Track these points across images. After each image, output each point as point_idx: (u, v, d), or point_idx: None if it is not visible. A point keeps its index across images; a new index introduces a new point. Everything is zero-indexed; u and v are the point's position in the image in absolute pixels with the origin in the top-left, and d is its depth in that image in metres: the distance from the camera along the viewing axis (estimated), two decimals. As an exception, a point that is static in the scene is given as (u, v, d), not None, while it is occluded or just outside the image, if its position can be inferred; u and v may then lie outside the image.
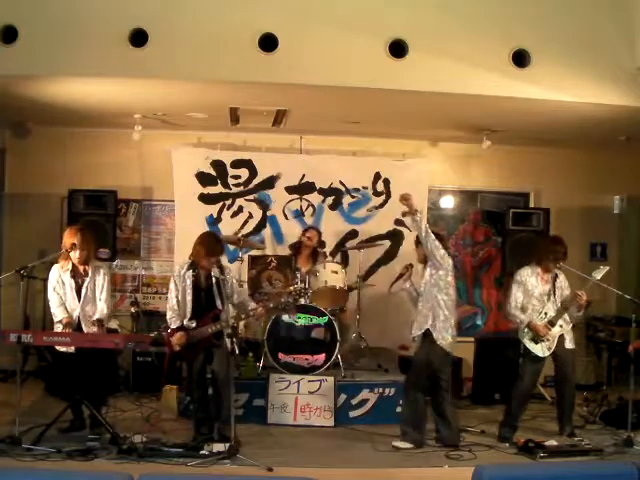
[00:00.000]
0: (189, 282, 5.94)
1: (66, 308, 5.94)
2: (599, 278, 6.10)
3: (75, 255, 5.91)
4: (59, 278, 5.96)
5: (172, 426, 6.34)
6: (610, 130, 7.53)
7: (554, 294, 6.23)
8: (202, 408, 6.02)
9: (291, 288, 6.70)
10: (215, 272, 5.85)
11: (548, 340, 6.16)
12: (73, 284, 5.95)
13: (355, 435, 6.39)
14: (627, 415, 6.02)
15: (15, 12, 5.86)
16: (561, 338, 6.21)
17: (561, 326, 6.19)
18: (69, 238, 5.91)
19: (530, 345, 6.20)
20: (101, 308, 5.98)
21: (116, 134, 8.16)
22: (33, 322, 7.85)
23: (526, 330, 6.21)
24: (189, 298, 5.94)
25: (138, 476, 3.31)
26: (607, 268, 6.14)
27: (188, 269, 5.97)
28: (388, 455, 5.81)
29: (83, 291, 5.94)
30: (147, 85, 6.41)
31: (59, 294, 5.94)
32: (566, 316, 6.22)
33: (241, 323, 7.02)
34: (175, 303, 5.95)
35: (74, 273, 5.97)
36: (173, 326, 5.92)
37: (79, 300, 5.93)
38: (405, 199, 5.90)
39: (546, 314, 6.19)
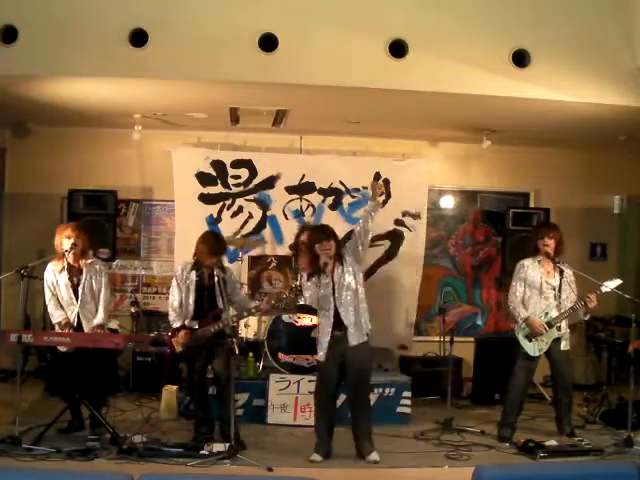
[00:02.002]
0: (193, 282, 5.94)
1: (64, 309, 5.93)
2: (609, 290, 6.09)
3: (72, 252, 5.90)
4: (54, 278, 5.95)
5: (172, 426, 6.35)
6: (610, 130, 7.53)
7: (559, 293, 6.21)
8: (202, 408, 6.02)
9: (292, 284, 6.71)
10: (217, 272, 5.85)
11: (542, 341, 6.16)
12: (69, 284, 5.94)
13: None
14: (627, 415, 6.02)
15: (15, 12, 5.86)
16: (556, 340, 6.20)
17: (559, 329, 6.18)
18: (66, 237, 5.89)
19: (523, 342, 6.20)
20: (99, 313, 5.97)
21: (116, 134, 8.16)
22: (33, 322, 7.85)
23: (523, 326, 6.20)
24: (192, 298, 5.94)
25: (138, 476, 3.30)
26: (619, 281, 6.11)
27: (192, 269, 5.97)
28: (388, 455, 5.80)
29: (80, 290, 5.93)
30: (147, 85, 6.41)
31: (55, 295, 5.94)
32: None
33: (241, 323, 7.03)
34: (177, 303, 5.95)
35: (70, 272, 5.96)
36: (175, 325, 5.92)
37: (76, 299, 5.93)
38: (377, 187, 5.88)
39: (547, 314, 6.18)
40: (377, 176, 8.41)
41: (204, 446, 5.53)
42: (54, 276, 5.96)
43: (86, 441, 5.50)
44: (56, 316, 5.93)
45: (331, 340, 5.60)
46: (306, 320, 6.96)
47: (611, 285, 6.09)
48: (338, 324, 5.60)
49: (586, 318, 6.37)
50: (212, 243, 5.96)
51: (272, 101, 7.02)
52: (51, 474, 3.71)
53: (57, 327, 5.94)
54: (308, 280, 5.70)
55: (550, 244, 6.21)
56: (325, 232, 5.72)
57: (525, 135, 8.06)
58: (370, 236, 5.77)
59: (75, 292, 5.94)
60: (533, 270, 6.24)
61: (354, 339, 5.59)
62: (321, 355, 5.63)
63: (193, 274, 5.95)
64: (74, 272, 5.97)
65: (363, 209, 5.85)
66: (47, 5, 5.91)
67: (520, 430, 6.30)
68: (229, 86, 6.39)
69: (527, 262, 6.30)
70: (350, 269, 5.64)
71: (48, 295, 5.96)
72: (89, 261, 6.01)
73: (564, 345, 6.23)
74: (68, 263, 5.95)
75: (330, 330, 5.59)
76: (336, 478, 5.27)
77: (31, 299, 7.71)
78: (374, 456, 5.62)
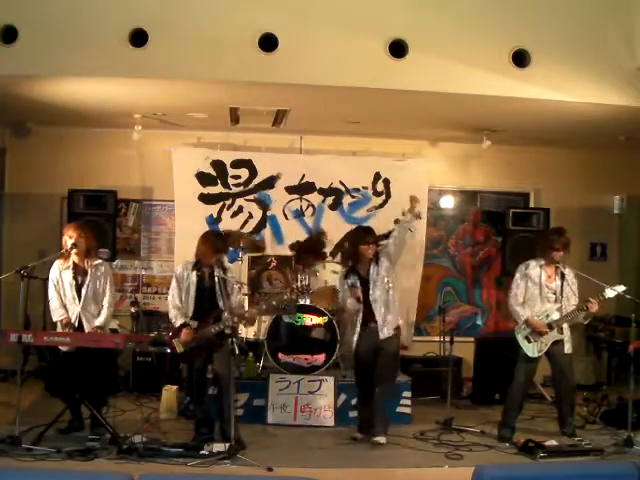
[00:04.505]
0: (194, 282, 5.93)
1: (66, 308, 5.94)
2: (612, 295, 6.07)
3: (75, 252, 5.90)
4: (59, 276, 5.96)
5: (172, 426, 6.35)
6: (610, 130, 7.53)
7: (561, 296, 6.19)
8: (202, 408, 6.01)
9: (293, 286, 6.72)
10: (218, 272, 5.84)
11: (542, 342, 6.15)
12: (73, 283, 5.94)
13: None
14: (627, 415, 6.02)
15: (15, 12, 5.86)
16: (558, 343, 6.18)
17: (561, 331, 6.17)
18: (68, 237, 5.91)
19: (522, 343, 6.19)
20: (102, 314, 5.96)
21: (116, 134, 8.16)
22: (33, 322, 7.84)
23: (523, 327, 6.19)
24: (192, 298, 5.93)
25: (138, 476, 3.30)
26: (623, 287, 6.10)
27: (193, 269, 5.95)
28: (388, 455, 5.81)
29: (83, 291, 5.92)
30: (147, 85, 6.41)
31: (59, 293, 5.95)
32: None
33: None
34: (178, 301, 5.93)
35: (75, 272, 5.96)
36: (178, 323, 5.89)
37: (79, 299, 5.93)
38: (417, 201, 6.32)
39: (547, 316, 6.17)
40: (377, 176, 8.44)
41: (204, 446, 5.53)
42: (59, 274, 5.97)
43: (86, 441, 5.49)
44: (58, 314, 5.94)
45: (364, 332, 6.13)
46: (306, 320, 6.96)
47: (617, 289, 6.06)
48: (371, 318, 6.08)
49: (586, 322, 6.38)
50: (215, 241, 5.96)
51: (272, 101, 7.02)
52: (51, 474, 3.71)
53: (59, 325, 5.96)
54: (346, 278, 6.20)
55: (562, 255, 6.21)
56: (372, 234, 6.21)
57: (525, 135, 8.06)
58: (404, 247, 6.29)
59: (78, 292, 5.94)
60: (535, 273, 6.23)
61: (384, 333, 6.07)
62: (352, 346, 6.22)
63: (194, 274, 5.94)
64: (79, 272, 5.97)
65: (400, 221, 6.32)
66: (47, 5, 5.91)
67: (520, 430, 6.30)
68: (229, 86, 6.39)
69: (531, 264, 6.28)
70: (384, 268, 6.10)
71: (52, 292, 5.97)
72: (95, 262, 6.01)
73: (567, 348, 6.22)
74: (74, 262, 5.96)
75: (362, 323, 6.14)
76: (336, 478, 5.27)
77: (31, 299, 7.69)
78: (380, 439, 5.96)
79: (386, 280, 6.10)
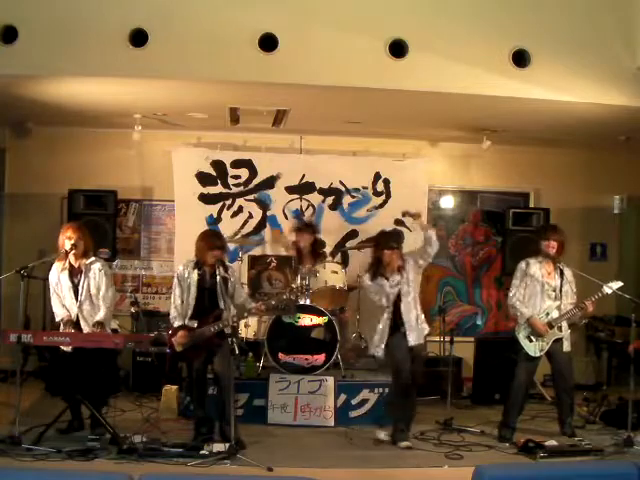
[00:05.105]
0: (194, 281, 5.93)
1: (66, 308, 5.94)
2: (610, 292, 6.08)
3: (74, 252, 5.90)
4: (57, 278, 5.97)
5: (172, 426, 6.34)
6: (610, 130, 7.53)
7: (560, 294, 6.20)
8: (202, 408, 6.01)
9: (292, 285, 6.73)
10: (220, 271, 5.85)
11: (543, 341, 6.15)
12: (70, 284, 5.94)
13: (355, 435, 6.38)
14: (627, 415, 6.02)
15: (15, 12, 5.87)
16: (558, 341, 6.20)
17: (560, 329, 6.17)
18: (67, 238, 5.90)
19: (524, 342, 6.19)
20: (100, 311, 5.96)
21: (116, 134, 8.17)
22: (33, 322, 7.85)
23: (524, 326, 6.20)
24: (193, 297, 5.94)
25: (138, 476, 3.30)
26: (620, 283, 6.11)
27: (194, 268, 5.96)
28: (388, 455, 5.81)
29: (79, 290, 5.93)
30: (147, 85, 6.41)
31: (58, 294, 5.96)
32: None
33: (241, 323, 7.03)
34: (180, 302, 5.94)
35: (71, 272, 5.96)
36: (176, 324, 5.90)
37: (76, 300, 5.93)
38: (419, 216, 6.43)
39: (547, 314, 6.18)
40: (377, 176, 8.45)
41: (204, 446, 5.52)
42: (57, 276, 5.97)
43: (86, 441, 5.49)
44: (59, 315, 5.95)
45: (397, 339, 6.05)
46: (306, 320, 6.96)
47: (613, 286, 6.08)
48: (400, 323, 6.06)
49: (581, 323, 6.39)
50: (211, 238, 5.99)
51: (272, 101, 7.02)
52: (51, 474, 3.71)
53: (61, 325, 5.96)
54: (372, 280, 6.15)
55: (554, 246, 6.20)
56: (397, 241, 6.25)
57: (525, 135, 8.06)
58: (430, 259, 6.30)
59: (76, 292, 5.94)
60: (536, 269, 6.23)
61: (413, 339, 6.06)
62: (379, 350, 6.13)
63: (195, 273, 5.95)
64: (75, 272, 5.97)
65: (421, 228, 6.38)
66: (47, 5, 5.92)
67: (520, 430, 6.29)
68: (229, 86, 6.39)
69: (530, 261, 6.28)
70: (411, 274, 6.12)
71: (52, 293, 5.99)
72: (88, 261, 6.00)
73: (566, 346, 6.23)
74: (70, 263, 5.96)
75: (390, 329, 6.08)
76: (336, 478, 5.26)
77: (31, 299, 7.69)
78: (406, 443, 5.97)
79: (412, 286, 6.11)
